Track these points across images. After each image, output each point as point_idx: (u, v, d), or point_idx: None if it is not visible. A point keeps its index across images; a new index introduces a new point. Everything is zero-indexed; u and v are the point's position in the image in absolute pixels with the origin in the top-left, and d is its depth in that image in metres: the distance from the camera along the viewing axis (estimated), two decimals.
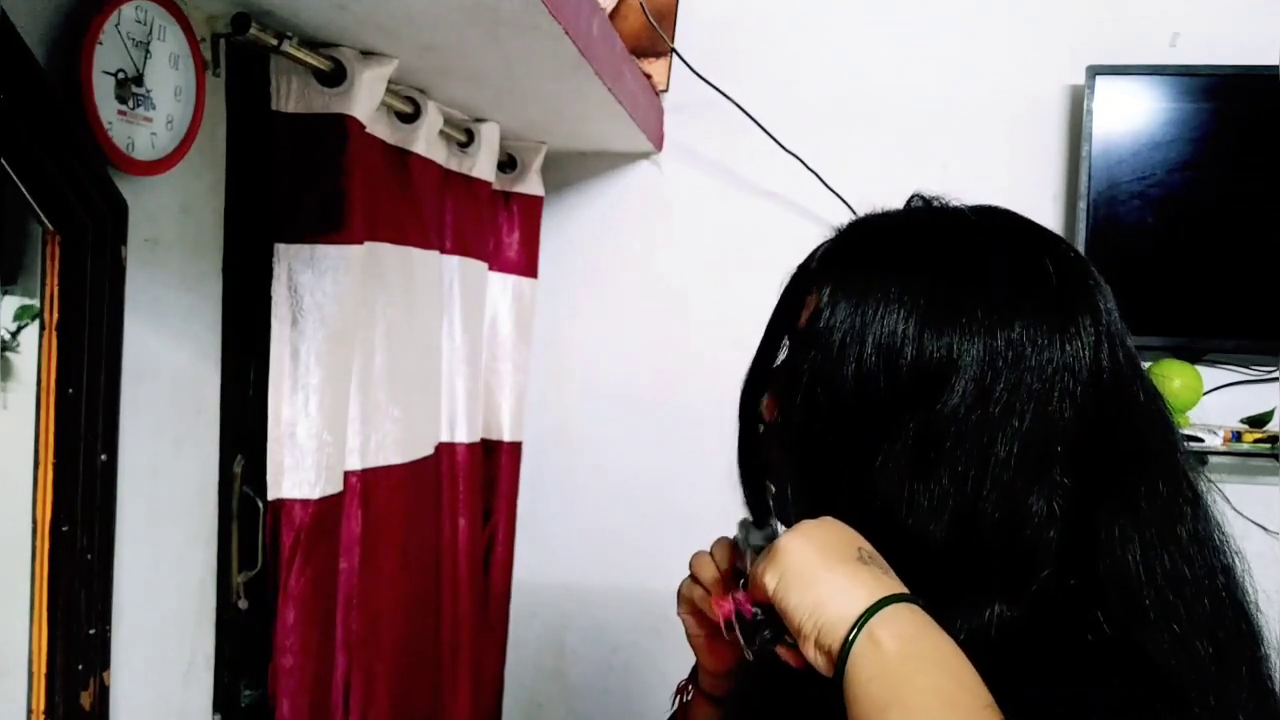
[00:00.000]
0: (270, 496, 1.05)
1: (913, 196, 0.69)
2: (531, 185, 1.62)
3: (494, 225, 1.58)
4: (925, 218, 0.67)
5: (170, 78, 0.91)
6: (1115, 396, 0.61)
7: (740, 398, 0.73)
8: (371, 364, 1.20)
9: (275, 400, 1.05)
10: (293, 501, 1.05)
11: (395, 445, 1.25)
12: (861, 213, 0.70)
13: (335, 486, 1.11)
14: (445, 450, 1.42)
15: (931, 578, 0.58)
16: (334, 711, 1.15)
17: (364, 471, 1.19)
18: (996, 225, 0.66)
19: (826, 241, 0.69)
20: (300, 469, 1.06)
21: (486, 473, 1.59)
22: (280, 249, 1.05)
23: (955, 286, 0.61)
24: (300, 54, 1.01)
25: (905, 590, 0.56)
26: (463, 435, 1.45)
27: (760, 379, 0.71)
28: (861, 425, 0.61)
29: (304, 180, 1.05)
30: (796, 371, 0.64)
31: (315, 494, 1.07)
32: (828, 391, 0.62)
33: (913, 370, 0.59)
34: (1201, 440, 1.48)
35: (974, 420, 0.59)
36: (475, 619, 1.52)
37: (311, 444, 1.06)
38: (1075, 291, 0.62)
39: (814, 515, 0.61)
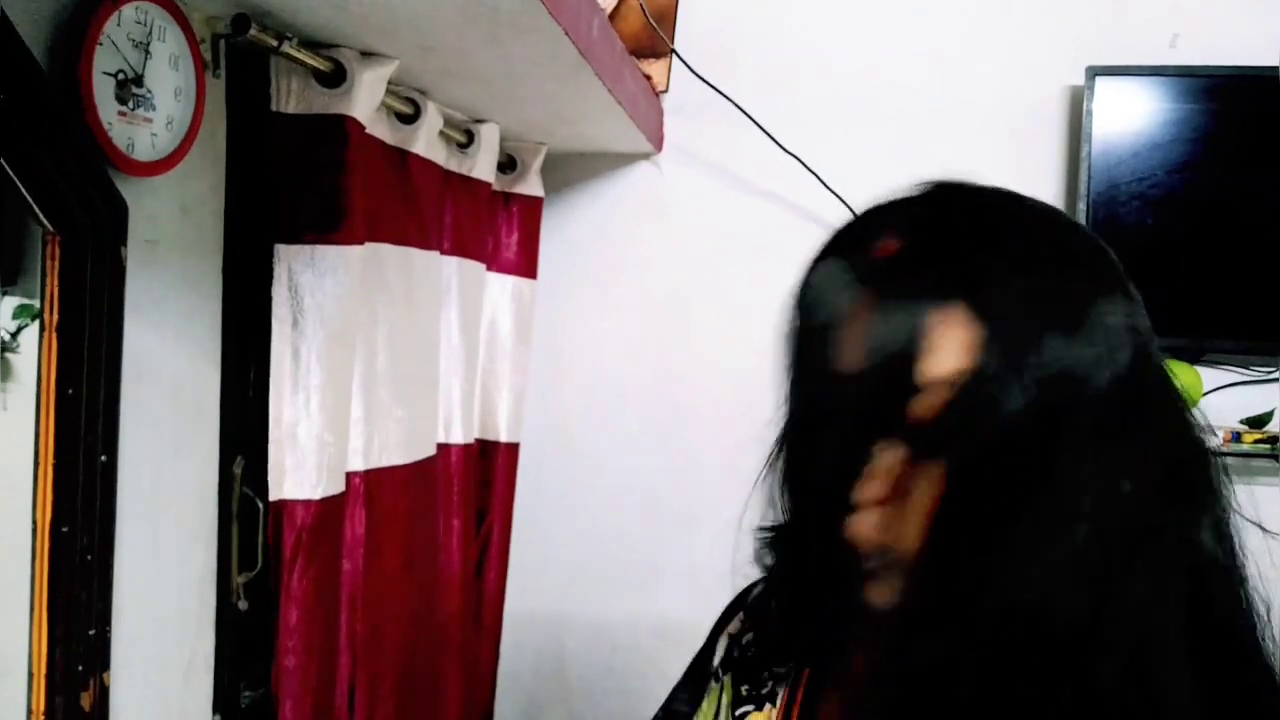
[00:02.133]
0: (271, 497, 1.05)
1: (928, 184, 0.60)
2: (531, 186, 1.63)
3: (493, 226, 1.58)
4: (1003, 206, 0.57)
5: (170, 78, 0.92)
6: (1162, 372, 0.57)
7: (821, 484, 0.57)
8: (374, 364, 1.20)
9: (276, 401, 1.05)
10: (294, 502, 1.05)
11: (399, 445, 1.25)
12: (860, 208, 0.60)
13: (337, 487, 1.11)
14: (441, 451, 1.42)
15: (1062, 664, 0.49)
16: (338, 712, 1.15)
17: (368, 472, 1.19)
18: (1048, 207, 0.58)
19: (878, 260, 0.55)
20: (301, 469, 1.06)
21: (482, 473, 1.59)
22: (280, 249, 1.05)
23: (1080, 279, 0.52)
24: (300, 55, 1.01)
25: None
26: (457, 436, 1.45)
27: (856, 457, 0.54)
28: (1037, 468, 0.50)
29: (304, 181, 1.06)
30: (965, 431, 0.50)
31: (317, 494, 1.07)
32: (1001, 447, 0.50)
33: (1078, 383, 0.50)
34: None
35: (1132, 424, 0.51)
36: (466, 619, 1.52)
37: (312, 444, 1.06)
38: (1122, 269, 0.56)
39: (947, 610, 0.50)
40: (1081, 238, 0.56)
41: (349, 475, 1.15)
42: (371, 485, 1.20)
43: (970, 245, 0.53)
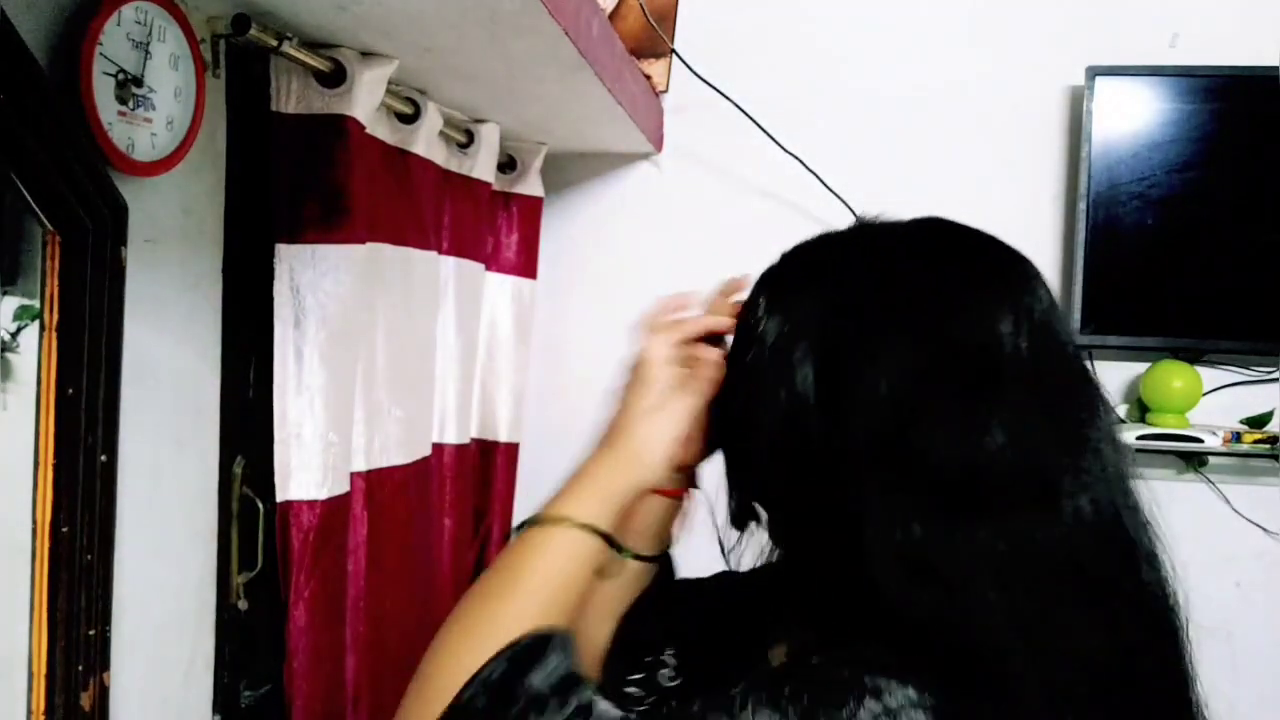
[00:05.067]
0: (278, 498, 1.05)
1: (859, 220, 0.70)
2: (531, 186, 1.62)
3: (493, 226, 1.58)
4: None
5: (170, 78, 0.92)
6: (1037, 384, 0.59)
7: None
8: (374, 364, 1.20)
9: (280, 401, 1.05)
10: (300, 503, 1.05)
11: (398, 446, 1.25)
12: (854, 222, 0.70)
13: (342, 487, 1.11)
14: (435, 451, 1.42)
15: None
16: (344, 713, 1.15)
17: (369, 472, 1.19)
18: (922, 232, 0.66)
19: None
20: (307, 470, 1.06)
21: (482, 474, 1.58)
22: (281, 249, 1.05)
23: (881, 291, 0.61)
24: (300, 55, 1.01)
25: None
26: (451, 436, 1.45)
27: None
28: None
29: (304, 181, 1.06)
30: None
31: (323, 495, 1.07)
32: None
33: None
34: (1201, 440, 1.48)
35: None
36: None
37: (317, 445, 1.06)
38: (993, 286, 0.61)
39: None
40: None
41: (352, 476, 1.15)
42: (373, 485, 1.20)
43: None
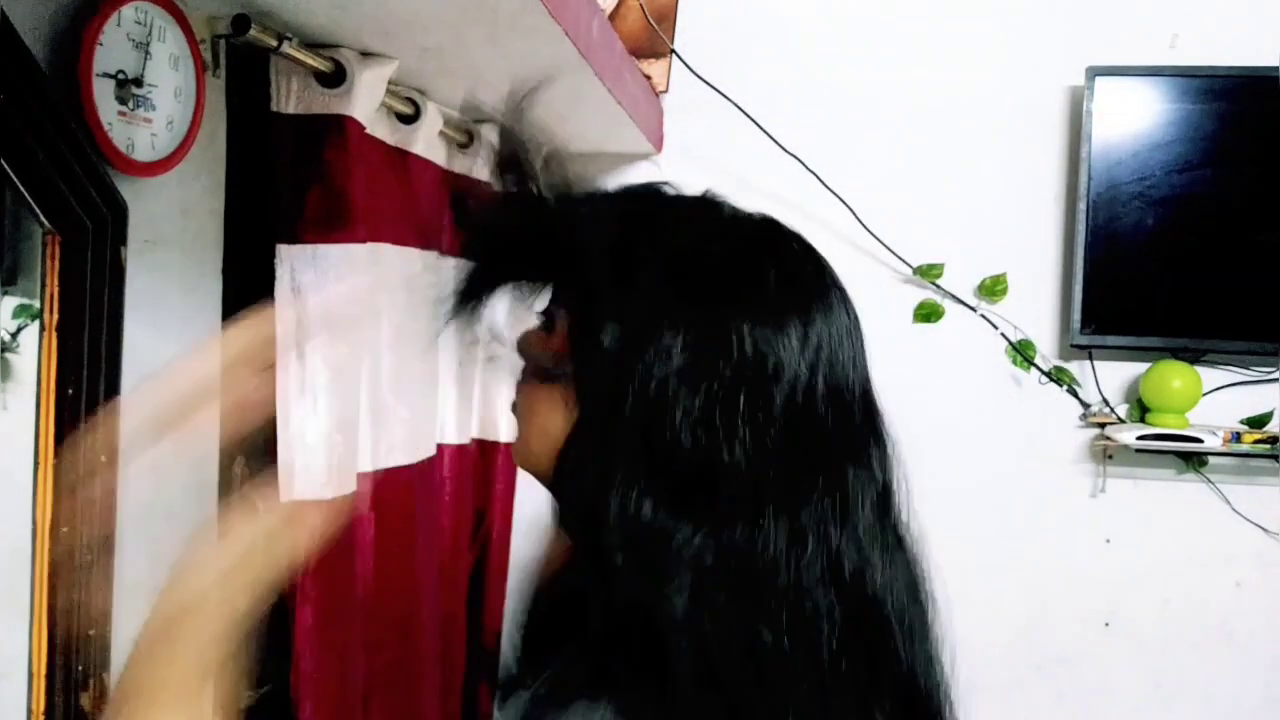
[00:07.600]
0: (282, 499, 1.04)
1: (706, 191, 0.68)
2: None
3: None
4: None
5: (170, 79, 0.92)
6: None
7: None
8: (378, 365, 1.20)
9: (283, 402, 1.04)
10: (305, 503, 1.05)
11: (403, 446, 1.25)
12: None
13: (348, 487, 1.11)
14: (438, 451, 1.42)
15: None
16: (352, 713, 1.15)
17: (375, 473, 1.19)
18: (739, 227, 0.65)
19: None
20: (311, 470, 1.06)
21: (482, 473, 1.58)
22: (282, 250, 1.05)
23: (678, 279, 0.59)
24: (300, 55, 1.01)
25: None
26: (452, 436, 1.45)
27: None
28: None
29: (304, 181, 1.05)
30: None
31: (328, 495, 1.06)
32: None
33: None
34: (1201, 441, 1.48)
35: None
36: (460, 620, 1.51)
37: (321, 445, 1.06)
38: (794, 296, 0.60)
39: None
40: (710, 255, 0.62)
41: (358, 476, 1.15)
42: (379, 486, 1.20)
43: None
